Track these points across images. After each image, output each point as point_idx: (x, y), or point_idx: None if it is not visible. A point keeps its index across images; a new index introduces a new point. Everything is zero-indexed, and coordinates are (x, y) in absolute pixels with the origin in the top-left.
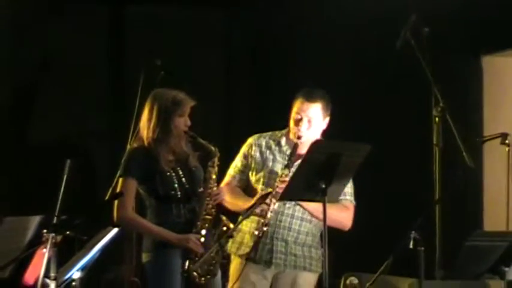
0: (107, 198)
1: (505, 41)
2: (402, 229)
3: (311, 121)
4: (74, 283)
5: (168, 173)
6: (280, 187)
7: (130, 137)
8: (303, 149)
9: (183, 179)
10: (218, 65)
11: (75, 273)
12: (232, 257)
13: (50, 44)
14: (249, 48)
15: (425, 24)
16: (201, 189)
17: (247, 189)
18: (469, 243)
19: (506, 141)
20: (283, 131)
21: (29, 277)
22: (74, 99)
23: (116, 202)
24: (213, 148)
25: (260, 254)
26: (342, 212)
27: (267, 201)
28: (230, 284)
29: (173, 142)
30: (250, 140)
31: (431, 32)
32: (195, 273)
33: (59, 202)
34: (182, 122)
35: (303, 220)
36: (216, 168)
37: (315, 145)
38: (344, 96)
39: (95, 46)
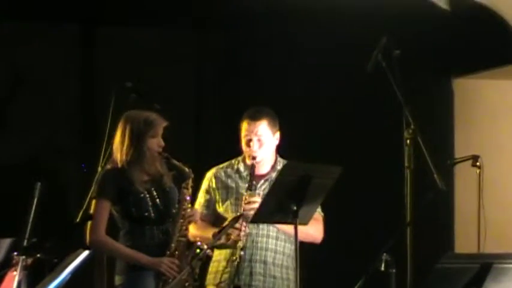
0: (78, 220)
1: (476, 63)
2: (374, 251)
3: (261, 139)
4: None
5: (142, 195)
6: (247, 209)
7: (101, 159)
8: (260, 169)
9: (157, 200)
10: (188, 85)
11: None
12: (208, 287)
13: (20, 62)
14: (219, 68)
15: (397, 46)
16: (175, 211)
17: (216, 222)
18: (440, 265)
19: (477, 164)
20: (239, 158)
21: None
22: (44, 119)
23: (88, 224)
24: (186, 169)
25: (239, 277)
26: (313, 225)
27: (237, 225)
28: None
29: (147, 163)
30: (208, 175)
31: (402, 54)
32: None
33: (30, 224)
34: (155, 143)
35: (278, 239)
36: (190, 190)
37: (286, 167)
38: (315, 118)
39: (65, 65)
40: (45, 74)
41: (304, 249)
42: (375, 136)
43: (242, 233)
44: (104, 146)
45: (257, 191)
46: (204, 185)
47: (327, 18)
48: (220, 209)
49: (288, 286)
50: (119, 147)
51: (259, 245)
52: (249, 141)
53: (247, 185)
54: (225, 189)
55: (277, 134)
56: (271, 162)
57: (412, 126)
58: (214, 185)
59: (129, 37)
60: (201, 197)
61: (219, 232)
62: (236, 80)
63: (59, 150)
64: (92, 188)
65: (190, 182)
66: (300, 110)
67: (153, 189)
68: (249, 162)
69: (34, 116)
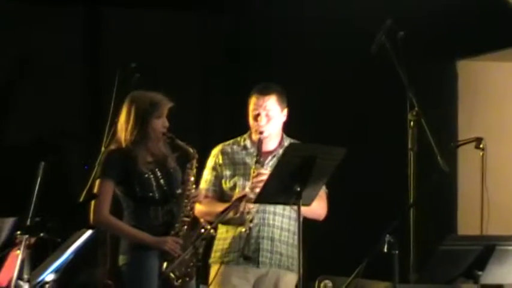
0: (81, 200)
1: (480, 45)
2: (377, 232)
3: (269, 114)
4: (47, 285)
5: (146, 175)
6: (256, 182)
7: (105, 139)
8: (268, 145)
9: (161, 180)
10: (194, 67)
11: (49, 276)
12: (215, 267)
13: (25, 44)
14: (224, 50)
15: (401, 28)
16: (179, 191)
17: (222, 198)
18: (443, 247)
19: (481, 146)
20: (245, 135)
21: (2, 279)
22: (48, 100)
23: (92, 204)
24: (191, 150)
25: (249, 248)
26: (318, 202)
27: (241, 206)
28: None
29: (151, 144)
30: (214, 151)
31: (406, 36)
32: (172, 275)
33: (33, 204)
34: (160, 124)
35: (284, 217)
36: (195, 170)
37: (290, 148)
38: (319, 99)
39: (70, 46)
40: (50, 55)
41: (307, 230)
42: (379, 118)
43: (252, 207)
44: (108, 126)
45: (265, 167)
46: (210, 161)
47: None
48: (227, 185)
49: (292, 264)
50: (123, 127)
51: (266, 221)
52: (257, 115)
53: (255, 159)
54: (232, 166)
55: (285, 111)
56: (278, 139)
57: (415, 108)
58: (221, 161)
59: (134, 18)
60: (208, 174)
61: (222, 212)
62: (241, 61)
63: (64, 130)
64: (96, 168)
65: (194, 163)
66: (305, 92)
67: (157, 169)
68: (255, 137)
69: (39, 97)
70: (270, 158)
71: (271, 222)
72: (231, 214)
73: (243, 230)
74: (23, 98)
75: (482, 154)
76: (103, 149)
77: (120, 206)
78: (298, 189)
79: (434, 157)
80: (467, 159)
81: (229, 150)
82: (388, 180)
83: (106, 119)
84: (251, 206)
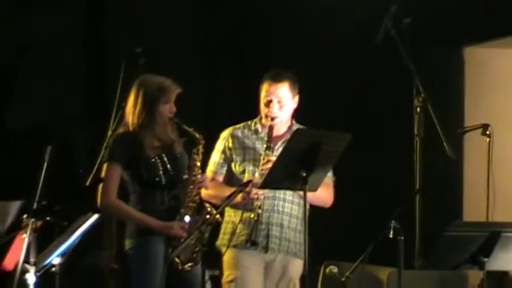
0: (88, 184)
1: (487, 32)
2: (382, 218)
3: (281, 101)
4: (53, 269)
5: (153, 160)
6: (265, 168)
7: (112, 123)
8: (279, 131)
9: (168, 165)
10: (198, 51)
11: (55, 259)
12: (224, 249)
13: (29, 28)
14: (229, 35)
15: (407, 14)
16: (186, 176)
17: (230, 181)
18: (449, 233)
19: (487, 132)
20: (256, 120)
21: (8, 262)
22: (54, 84)
23: (99, 188)
24: (197, 135)
25: (257, 239)
26: (324, 189)
27: (247, 190)
28: (226, 272)
29: (158, 128)
30: (224, 134)
31: (412, 23)
32: (177, 260)
33: (40, 188)
34: (167, 109)
35: (293, 203)
36: (201, 156)
37: (296, 133)
38: (325, 85)
39: (75, 31)
40: (55, 39)
41: (313, 216)
42: (385, 104)
43: (261, 192)
44: (115, 110)
45: (275, 153)
46: (220, 144)
47: None
48: (237, 168)
49: (300, 250)
50: (131, 110)
51: (275, 208)
52: (269, 102)
53: (265, 145)
54: (243, 149)
55: (296, 98)
56: (288, 124)
57: (422, 95)
58: (231, 145)
59: (138, 2)
60: (217, 157)
61: (228, 197)
62: (246, 46)
63: (69, 115)
64: (103, 151)
65: (200, 148)
66: (311, 78)
67: (163, 154)
68: (264, 122)
69: (44, 81)
70: (279, 143)
71: (280, 209)
72: (238, 199)
73: (252, 215)
74: (28, 82)
75: (489, 141)
76: (109, 132)
77: (126, 190)
78: (304, 174)
79: (441, 143)
80: (473, 145)
81: (239, 134)
82: (394, 166)
83: (112, 103)
84: (260, 192)
